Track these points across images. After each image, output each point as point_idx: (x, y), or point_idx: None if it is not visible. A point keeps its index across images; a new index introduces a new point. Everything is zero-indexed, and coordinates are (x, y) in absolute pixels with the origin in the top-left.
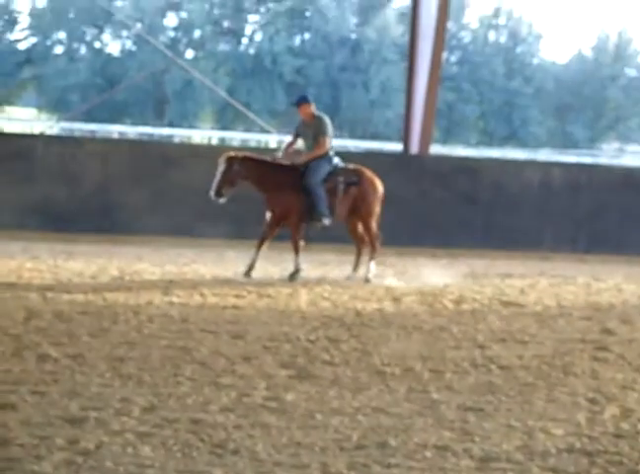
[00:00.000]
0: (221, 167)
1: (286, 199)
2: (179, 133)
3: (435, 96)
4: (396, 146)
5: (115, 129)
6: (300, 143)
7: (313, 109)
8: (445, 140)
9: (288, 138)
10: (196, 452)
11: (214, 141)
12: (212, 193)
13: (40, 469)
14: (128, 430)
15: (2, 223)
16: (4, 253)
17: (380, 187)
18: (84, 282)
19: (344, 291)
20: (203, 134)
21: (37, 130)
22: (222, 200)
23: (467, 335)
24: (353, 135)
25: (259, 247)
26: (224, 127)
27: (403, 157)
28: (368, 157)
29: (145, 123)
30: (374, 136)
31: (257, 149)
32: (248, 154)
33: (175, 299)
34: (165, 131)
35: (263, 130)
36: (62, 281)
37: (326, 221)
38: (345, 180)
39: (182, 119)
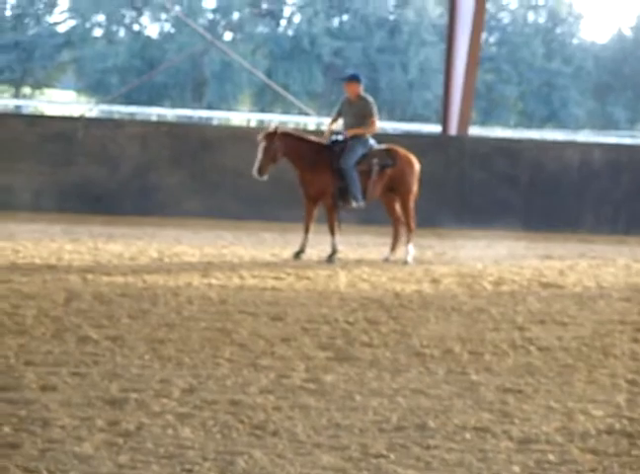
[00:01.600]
0: (262, 144)
1: (320, 180)
2: (217, 116)
3: (473, 77)
4: (435, 128)
5: (153, 112)
6: (340, 122)
7: (361, 89)
8: (484, 122)
9: (327, 119)
10: (235, 434)
11: (253, 123)
12: (255, 171)
13: (81, 450)
14: (168, 411)
15: (42, 206)
16: (44, 235)
17: (417, 164)
18: (123, 264)
19: (382, 273)
20: (242, 117)
21: (76, 113)
22: (265, 178)
23: (506, 316)
24: (391, 117)
25: (307, 230)
26: (263, 110)
27: (442, 138)
28: (407, 139)
29: (184, 106)
30: (413, 118)
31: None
32: (287, 130)
33: (214, 281)
34: (203, 114)
35: (301, 112)
36: (102, 263)
37: (355, 204)
38: (379, 162)
39: (220, 102)
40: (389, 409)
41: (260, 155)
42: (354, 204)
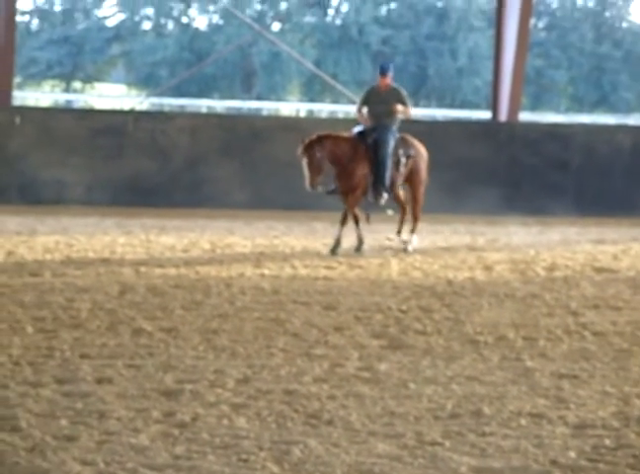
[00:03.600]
0: (304, 160)
1: (358, 173)
2: (267, 106)
3: (523, 62)
4: (485, 114)
5: (203, 104)
6: (364, 111)
7: (391, 79)
8: (534, 107)
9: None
10: (290, 423)
11: (302, 114)
12: (308, 187)
13: (138, 441)
14: (223, 401)
15: (95, 199)
16: (97, 229)
17: (426, 153)
18: (176, 256)
19: (434, 261)
20: (291, 107)
21: (126, 106)
22: (321, 189)
23: (560, 302)
24: (440, 104)
25: (342, 223)
26: (312, 99)
27: (492, 125)
28: (457, 126)
29: (233, 97)
30: (462, 105)
31: (345, 121)
32: (321, 134)
33: (266, 271)
34: (253, 105)
35: (350, 101)
36: (155, 256)
37: (386, 196)
38: (404, 152)
39: (269, 92)
40: (444, 396)
41: (306, 171)
42: (385, 196)
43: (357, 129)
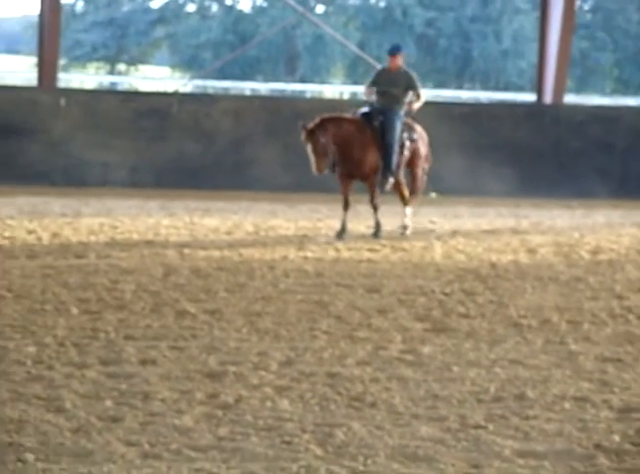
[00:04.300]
0: (308, 146)
1: (370, 158)
2: (310, 89)
3: (568, 44)
4: (529, 96)
5: (247, 86)
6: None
7: (402, 60)
8: (580, 89)
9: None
10: (333, 405)
11: (346, 96)
12: (314, 171)
13: (182, 423)
14: (267, 384)
15: (139, 181)
16: (142, 211)
17: (426, 136)
18: (220, 239)
19: (478, 244)
20: (335, 89)
21: (171, 89)
22: (327, 172)
23: (604, 285)
24: (485, 87)
25: (347, 207)
26: (356, 82)
27: (537, 107)
28: (502, 108)
29: (277, 79)
30: (507, 87)
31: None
32: (324, 116)
33: (309, 254)
34: (296, 87)
35: None
36: (199, 238)
37: (391, 181)
38: (408, 136)
39: (313, 75)
40: (487, 379)
41: (312, 157)
42: (390, 181)
43: (362, 111)
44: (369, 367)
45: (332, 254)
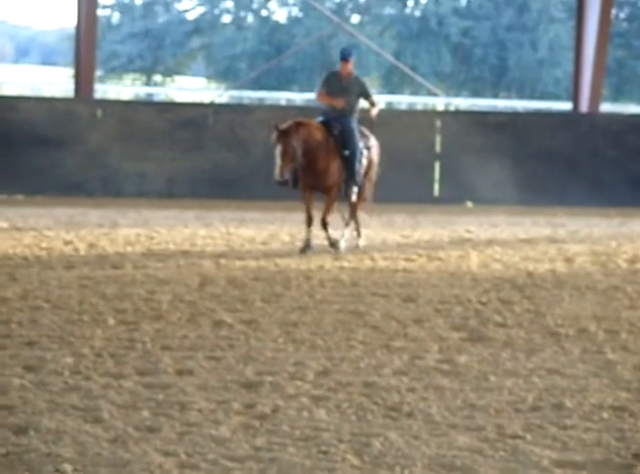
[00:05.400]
0: (278, 147)
1: (334, 168)
2: None
3: (604, 53)
4: (565, 105)
5: (282, 96)
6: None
7: (353, 66)
8: (616, 98)
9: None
10: (370, 415)
11: (382, 105)
12: (277, 176)
13: (219, 433)
14: (303, 393)
15: (176, 192)
16: (178, 221)
17: (377, 144)
18: (256, 249)
19: (515, 253)
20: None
21: (206, 99)
22: (286, 177)
23: None
24: (521, 96)
25: (310, 223)
26: (391, 91)
27: (573, 116)
28: (538, 117)
29: (312, 90)
30: (543, 96)
31: (424, 112)
32: (297, 120)
33: (345, 264)
34: None
35: (430, 93)
36: (235, 248)
37: (355, 191)
38: (364, 144)
39: None
40: (524, 389)
41: (279, 160)
42: (355, 190)
43: (318, 119)
44: (406, 377)
45: (368, 263)
